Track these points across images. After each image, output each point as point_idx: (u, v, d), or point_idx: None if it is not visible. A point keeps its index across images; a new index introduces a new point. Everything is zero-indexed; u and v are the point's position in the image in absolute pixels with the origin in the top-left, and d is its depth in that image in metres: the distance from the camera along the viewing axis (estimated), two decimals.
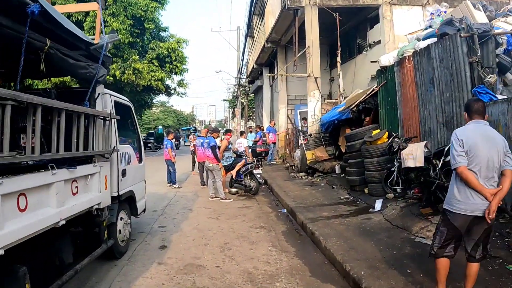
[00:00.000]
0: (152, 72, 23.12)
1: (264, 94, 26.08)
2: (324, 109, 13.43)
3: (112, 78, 21.46)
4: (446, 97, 6.99)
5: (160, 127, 33.34)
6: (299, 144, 14.65)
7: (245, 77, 32.96)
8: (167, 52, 24.23)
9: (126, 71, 21.68)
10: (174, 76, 26.02)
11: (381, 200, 7.75)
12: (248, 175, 10.65)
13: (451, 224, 3.56)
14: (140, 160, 6.70)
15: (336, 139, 12.55)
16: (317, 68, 13.37)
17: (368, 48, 14.12)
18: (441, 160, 6.39)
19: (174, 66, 24.86)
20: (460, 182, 3.49)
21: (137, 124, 6.77)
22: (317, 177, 12.01)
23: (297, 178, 12.59)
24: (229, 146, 11.08)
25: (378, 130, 8.61)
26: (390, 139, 7.64)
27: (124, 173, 5.66)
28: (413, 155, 6.90)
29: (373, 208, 7.60)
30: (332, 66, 19.12)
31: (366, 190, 8.78)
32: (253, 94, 36.95)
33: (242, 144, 12.79)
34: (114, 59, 21.92)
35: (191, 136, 16.49)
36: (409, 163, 6.95)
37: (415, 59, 7.94)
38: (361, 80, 14.26)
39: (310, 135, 13.08)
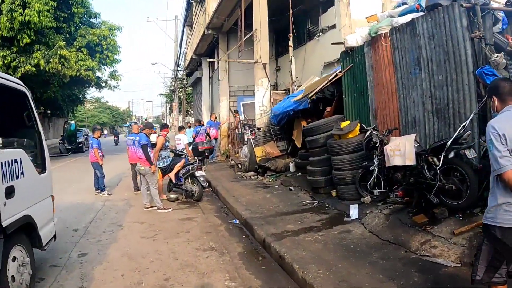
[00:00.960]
0: (81, 61, 20.00)
1: (203, 86, 24.21)
2: (274, 100, 11.98)
3: (35, 69, 18.11)
4: (438, 80, 5.75)
5: (72, 122, 27.20)
6: (246, 140, 13.07)
7: (182, 69, 30.67)
8: (97, 40, 21.20)
9: (51, 60, 18.41)
10: (105, 67, 22.88)
11: (357, 206, 6.39)
12: (189, 177, 8.85)
13: (501, 242, 2.61)
14: (42, 169, 4.65)
15: (289, 133, 11.14)
16: (265, 54, 11.86)
17: (320, 33, 12.85)
18: (441, 157, 5.14)
19: (105, 56, 21.80)
20: (505, 191, 2.58)
21: (37, 118, 4.68)
22: (269, 177, 10.50)
23: (246, 178, 11.00)
24: (166, 144, 9.20)
25: (348, 122, 7.25)
26: (368, 132, 6.27)
27: (10, 192, 3.64)
28: (400, 151, 5.60)
29: (348, 216, 6.22)
30: (278, 55, 17.75)
31: (333, 193, 7.42)
32: (191, 88, 34.78)
33: (182, 140, 10.94)
34: (37, 46, 18.52)
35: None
36: (396, 160, 5.64)
37: (393, 37, 6.66)
38: (313, 68, 13.00)
39: (259, 129, 11.54)
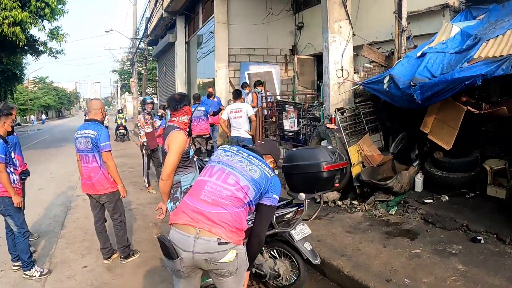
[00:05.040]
0: (4, 12, 12.96)
1: (178, 54, 18.49)
2: (370, 60, 6.88)
3: None
4: None
5: None
6: (289, 128, 7.94)
7: (144, 37, 24.01)
8: None
9: None
10: (44, 22, 15.33)
11: None
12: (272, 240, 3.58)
13: None
14: None
15: (392, 120, 6.19)
16: None
17: None
18: None
19: (43, 4, 14.48)
20: None
21: None
22: (381, 204, 5.47)
23: (329, 205, 5.84)
24: (190, 152, 3.51)
25: None
26: None
27: None
28: None
29: None
30: (299, 7, 12.49)
31: None
32: (154, 59, 28.39)
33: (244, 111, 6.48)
34: None
35: (140, 116, 7.78)
36: None
37: None
38: (375, 24, 8.37)
39: (343, 111, 6.34)
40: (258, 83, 10.12)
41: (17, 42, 13.84)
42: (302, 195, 3.22)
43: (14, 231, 4.23)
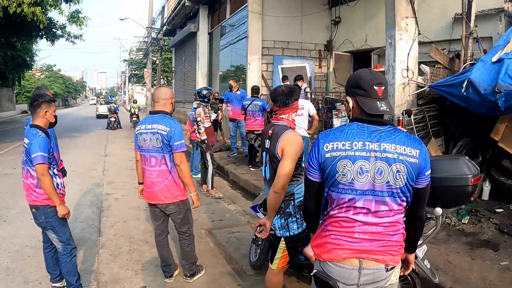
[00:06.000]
0: None
1: (200, 45, 18.13)
2: (437, 60, 6.62)
3: None
4: None
5: None
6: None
7: (160, 26, 23.70)
8: None
9: None
10: (61, 5, 14.67)
11: None
12: None
13: None
14: None
15: (462, 125, 5.98)
16: None
17: None
18: None
19: None
20: None
21: None
22: (452, 212, 5.31)
23: None
24: (303, 159, 3.07)
25: None
26: None
27: None
28: None
29: None
30: (337, 0, 12.16)
31: None
32: (170, 50, 28.01)
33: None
34: None
35: (199, 110, 7.11)
36: None
37: None
38: (426, 23, 7.94)
39: (409, 113, 6.11)
40: (299, 78, 9.77)
41: (38, 24, 13.38)
42: (439, 210, 2.89)
43: (58, 248, 3.48)
